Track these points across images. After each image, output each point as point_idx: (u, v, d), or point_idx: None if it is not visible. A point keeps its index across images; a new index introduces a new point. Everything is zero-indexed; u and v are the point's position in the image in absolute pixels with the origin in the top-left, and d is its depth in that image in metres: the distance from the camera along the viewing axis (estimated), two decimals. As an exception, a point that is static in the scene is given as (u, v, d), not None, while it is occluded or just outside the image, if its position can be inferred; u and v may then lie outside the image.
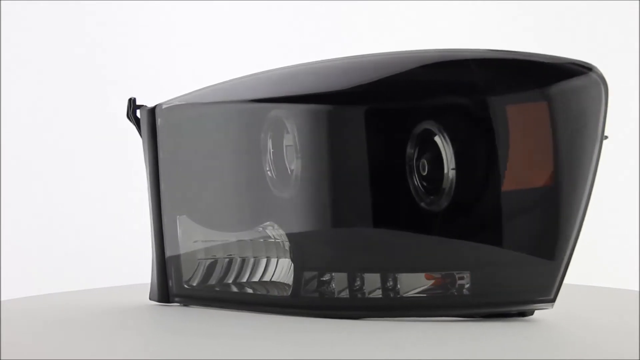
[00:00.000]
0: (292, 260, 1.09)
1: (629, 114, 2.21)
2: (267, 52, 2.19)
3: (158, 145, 1.22)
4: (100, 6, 2.14)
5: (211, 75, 1.43)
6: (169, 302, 1.22)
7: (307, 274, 1.08)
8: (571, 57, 1.02)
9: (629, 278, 2.12)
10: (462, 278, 1.02)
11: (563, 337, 0.97)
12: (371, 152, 1.04)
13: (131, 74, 2.14)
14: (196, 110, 1.20)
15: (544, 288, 1.01)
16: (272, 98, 1.11)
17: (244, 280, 1.16)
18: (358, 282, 1.05)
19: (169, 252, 1.21)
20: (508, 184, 1.01)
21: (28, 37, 2.11)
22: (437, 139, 1.03)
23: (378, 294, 1.04)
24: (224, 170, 1.16)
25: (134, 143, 1.33)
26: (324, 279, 1.07)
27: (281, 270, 1.12)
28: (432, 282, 1.03)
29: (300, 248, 1.09)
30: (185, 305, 1.21)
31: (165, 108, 1.21)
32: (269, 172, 1.11)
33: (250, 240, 1.14)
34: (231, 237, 1.16)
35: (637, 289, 1.53)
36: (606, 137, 1.01)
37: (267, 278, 1.14)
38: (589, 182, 1.00)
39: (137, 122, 1.24)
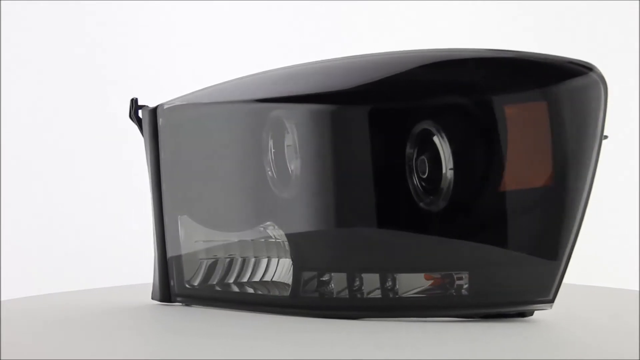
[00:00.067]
0: (291, 260, 1.10)
1: (629, 114, 2.21)
2: (267, 52, 2.19)
3: (159, 145, 1.22)
4: (100, 6, 2.14)
5: (211, 75, 1.43)
6: (170, 301, 1.22)
7: (306, 274, 1.08)
8: (571, 57, 1.02)
9: (629, 278, 2.12)
10: (460, 278, 1.02)
11: (563, 337, 0.97)
12: (371, 152, 1.04)
13: (131, 74, 2.14)
14: (197, 111, 1.20)
15: (543, 288, 1.01)
16: (273, 98, 1.11)
17: (245, 280, 1.16)
18: (357, 282, 1.05)
19: (170, 252, 1.21)
20: (507, 184, 1.01)
21: (28, 37, 2.11)
22: (435, 139, 1.03)
23: (377, 294, 1.04)
24: (225, 171, 1.16)
25: (134, 143, 1.33)
26: (323, 279, 1.07)
27: (282, 270, 1.12)
28: (431, 282, 1.03)
29: (299, 248, 1.09)
30: (187, 305, 1.21)
31: (166, 108, 1.22)
32: (269, 172, 1.11)
33: (251, 240, 1.14)
34: (232, 237, 1.16)
35: (637, 289, 1.53)
36: (606, 137, 1.01)
37: (267, 278, 1.14)
38: (588, 182, 1.00)
39: (139, 122, 1.24)
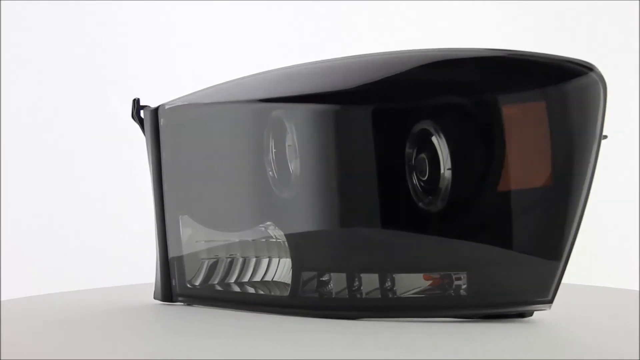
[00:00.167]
0: (291, 260, 1.10)
1: (629, 114, 2.21)
2: (267, 52, 2.19)
3: (161, 145, 1.22)
4: (100, 6, 2.14)
5: (211, 75, 1.43)
6: (172, 301, 1.22)
7: (305, 274, 1.08)
8: (571, 57, 1.02)
9: (629, 278, 2.12)
10: (459, 279, 1.02)
11: (562, 337, 0.97)
12: (371, 152, 1.04)
13: (131, 74, 2.14)
14: (199, 111, 1.20)
15: (542, 289, 1.01)
16: (273, 98, 1.11)
17: (246, 280, 1.16)
18: (356, 283, 1.05)
19: (172, 252, 1.21)
20: (505, 184, 1.01)
21: (28, 37, 2.11)
22: (434, 139, 1.02)
23: (376, 294, 1.04)
24: (226, 171, 1.16)
25: (134, 143, 1.33)
26: (322, 279, 1.07)
27: (282, 270, 1.12)
28: (430, 282, 1.03)
29: (298, 248, 1.09)
30: (188, 304, 1.21)
31: (168, 108, 1.22)
32: (270, 172, 1.11)
33: (252, 240, 1.14)
34: (233, 237, 1.16)
35: (637, 289, 1.53)
36: (605, 137, 1.01)
37: (268, 278, 1.14)
38: (587, 182, 1.00)
39: (141, 122, 1.24)
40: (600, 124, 1.00)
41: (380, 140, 1.04)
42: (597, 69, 1.00)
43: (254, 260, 1.15)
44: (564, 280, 1.01)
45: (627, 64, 2.21)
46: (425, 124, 1.03)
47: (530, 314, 1.03)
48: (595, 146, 1.00)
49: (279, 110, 1.10)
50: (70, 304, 1.28)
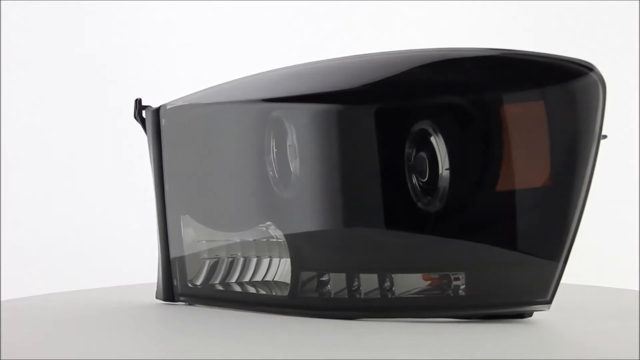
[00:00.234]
0: (290, 260, 1.10)
1: (629, 114, 2.21)
2: (267, 52, 2.19)
3: (162, 145, 1.22)
4: (100, 6, 2.14)
5: (211, 75, 1.43)
6: (174, 301, 1.22)
7: (305, 274, 1.08)
8: (571, 57, 1.02)
9: (629, 278, 2.12)
10: (457, 279, 1.02)
11: (562, 338, 0.97)
12: (370, 152, 1.04)
13: (131, 74, 2.14)
14: (200, 111, 1.20)
15: (541, 289, 1.01)
16: (274, 98, 1.12)
17: (247, 279, 1.16)
18: (355, 283, 1.05)
19: (173, 252, 1.22)
20: (504, 184, 1.01)
21: (28, 37, 2.11)
22: (432, 139, 1.02)
23: (375, 294, 1.04)
24: (227, 171, 1.16)
25: (134, 143, 1.33)
26: (322, 279, 1.07)
27: (283, 270, 1.12)
28: (428, 282, 1.03)
29: (298, 248, 1.09)
30: (190, 304, 1.21)
31: (169, 108, 1.22)
32: (271, 172, 1.11)
33: (253, 240, 1.14)
34: (234, 236, 1.17)
35: (637, 289, 1.53)
36: (604, 137, 1.01)
37: (269, 278, 1.14)
38: (586, 182, 1.00)
39: (143, 122, 1.24)
40: (599, 123, 1.00)
41: (380, 141, 1.04)
42: (597, 69, 1.00)
43: (254, 260, 1.15)
44: (563, 280, 1.01)
45: (627, 64, 2.21)
46: (424, 124, 1.03)
47: (530, 314, 1.03)
48: (594, 146, 1.00)
49: (280, 110, 1.10)
50: (70, 304, 1.28)
